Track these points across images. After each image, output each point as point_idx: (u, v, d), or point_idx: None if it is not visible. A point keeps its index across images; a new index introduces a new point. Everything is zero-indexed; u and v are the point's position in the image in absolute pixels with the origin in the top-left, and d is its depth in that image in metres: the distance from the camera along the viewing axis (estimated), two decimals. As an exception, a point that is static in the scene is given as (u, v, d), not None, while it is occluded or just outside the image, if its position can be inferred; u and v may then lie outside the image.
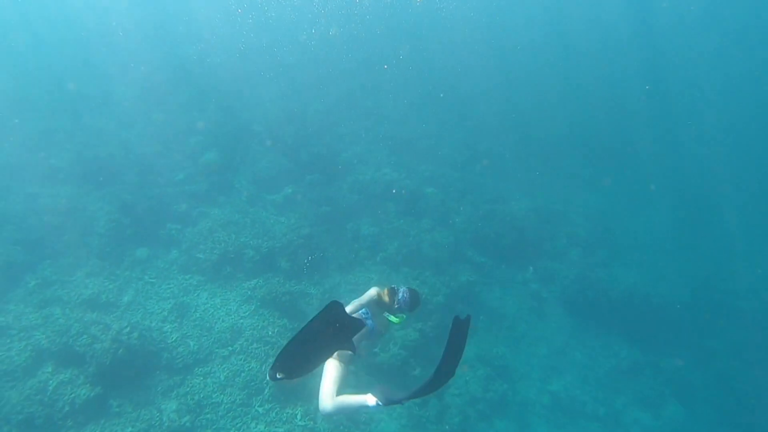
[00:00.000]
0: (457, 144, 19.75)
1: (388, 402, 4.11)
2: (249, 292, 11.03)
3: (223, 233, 12.17)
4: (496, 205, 16.07)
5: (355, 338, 4.65)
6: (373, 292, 5.08)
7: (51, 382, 8.14)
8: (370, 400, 4.20)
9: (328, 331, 3.69)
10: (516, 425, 11.03)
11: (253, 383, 8.95)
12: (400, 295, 4.89)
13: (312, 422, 8.67)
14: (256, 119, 17.66)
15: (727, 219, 20.17)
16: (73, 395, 8.02)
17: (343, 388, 4.53)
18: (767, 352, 14.55)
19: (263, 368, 9.15)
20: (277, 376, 3.63)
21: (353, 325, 3.85)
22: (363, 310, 5.00)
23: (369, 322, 4.89)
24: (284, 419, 8.59)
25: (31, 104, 17.52)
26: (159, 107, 17.64)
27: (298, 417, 8.68)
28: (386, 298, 4.97)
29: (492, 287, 13.81)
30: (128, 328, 8.65)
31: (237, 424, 8.44)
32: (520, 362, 12.27)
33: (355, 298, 5.10)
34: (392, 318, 4.87)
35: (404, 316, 4.90)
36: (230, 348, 9.60)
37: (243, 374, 9.09)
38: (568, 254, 15.24)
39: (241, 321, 10.21)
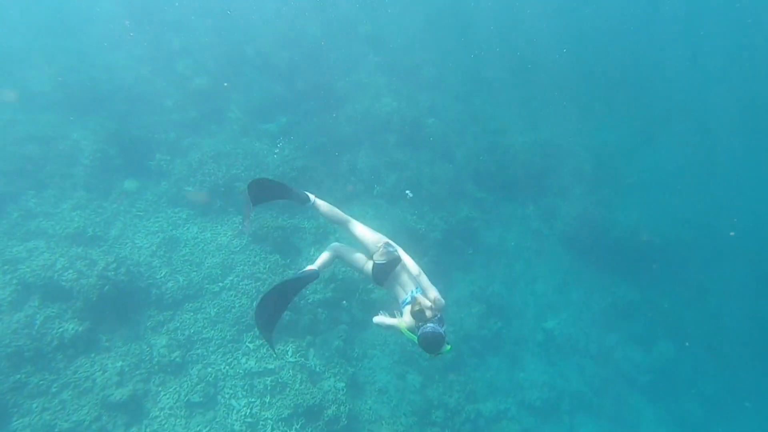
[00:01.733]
0: (462, 73, 18.81)
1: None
2: (240, 227, 10.79)
3: (213, 165, 11.76)
4: (500, 137, 15.53)
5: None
6: (427, 302, 4.29)
7: (38, 316, 8.08)
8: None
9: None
10: (508, 362, 11.19)
11: (243, 320, 8.91)
12: (428, 326, 4.07)
13: (303, 358, 8.72)
14: (248, 42, 16.70)
15: (735, 159, 19.73)
16: (61, 329, 7.99)
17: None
18: (762, 290, 14.66)
19: (254, 305, 9.06)
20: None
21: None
22: (411, 294, 4.48)
23: (405, 307, 4.46)
24: (275, 356, 8.60)
25: (4, 21, 16.48)
26: (143, 27, 16.62)
27: (290, 353, 8.71)
28: (420, 313, 4.21)
29: (491, 224, 13.60)
30: (115, 264, 8.49)
31: (228, 359, 8.48)
32: (517, 300, 12.29)
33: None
34: (404, 329, 4.29)
35: (414, 337, 4.19)
36: (220, 284, 9.49)
37: (233, 310, 9.04)
38: (572, 191, 14.90)
39: (232, 256, 10.05)
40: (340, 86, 16.25)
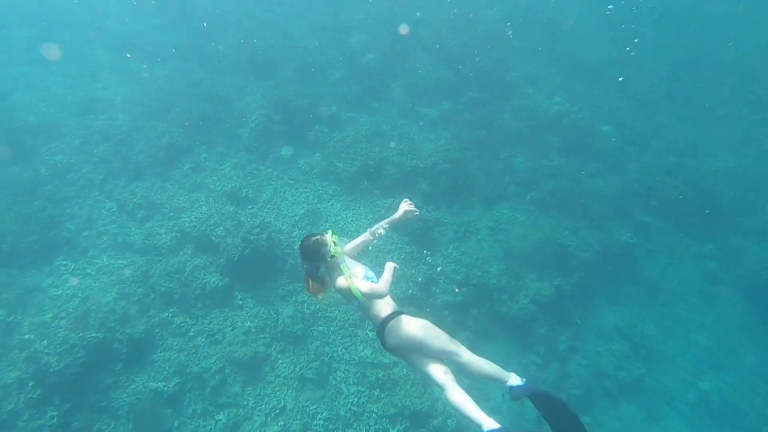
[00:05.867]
0: (654, 76, 17.12)
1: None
2: (383, 211, 11.06)
3: (367, 144, 12.14)
4: (686, 158, 13.90)
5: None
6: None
7: (189, 264, 9.14)
8: (489, 424, 3.52)
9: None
10: (645, 414, 10.12)
11: (368, 306, 9.14)
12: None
13: (419, 360, 8.71)
14: (424, 23, 16.87)
15: None
16: (204, 281, 8.94)
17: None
18: None
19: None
20: None
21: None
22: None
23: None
24: (392, 350, 8.73)
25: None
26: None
27: (407, 351, 8.76)
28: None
29: (655, 255, 12.30)
30: (258, 228, 9.23)
31: (346, 343, 8.80)
32: (670, 347, 11.03)
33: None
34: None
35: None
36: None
37: (360, 295, 9.30)
38: (770, 233, 12.85)
39: (369, 241, 10.32)
40: (511, 77, 15.73)
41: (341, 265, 3.95)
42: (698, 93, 17.05)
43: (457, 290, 10.22)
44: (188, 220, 9.74)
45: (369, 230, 4.34)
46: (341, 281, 3.92)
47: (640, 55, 17.66)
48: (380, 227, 4.24)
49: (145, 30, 17.17)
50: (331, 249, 3.90)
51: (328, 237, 3.97)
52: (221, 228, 9.31)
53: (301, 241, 4.00)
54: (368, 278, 4.01)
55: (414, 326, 3.91)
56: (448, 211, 11.67)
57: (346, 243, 4.33)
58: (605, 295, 11.44)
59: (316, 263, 3.96)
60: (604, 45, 17.55)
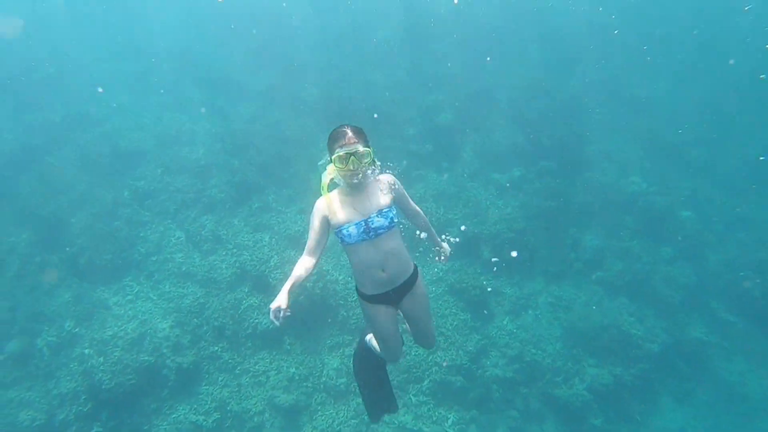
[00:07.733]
0: (748, 158, 16.46)
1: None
2: (441, 274, 11.17)
3: (433, 204, 12.38)
4: (777, 255, 13.21)
5: None
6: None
7: (244, 302, 9.55)
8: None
9: None
10: None
11: (415, 370, 9.17)
12: None
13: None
14: (502, 86, 17.25)
15: None
16: (256, 321, 9.28)
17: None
18: None
19: (429, 359, 9.28)
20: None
21: None
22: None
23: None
24: (434, 419, 8.66)
25: (293, 31, 19.89)
26: (409, 56, 18.40)
27: (449, 421, 8.68)
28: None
29: (733, 357, 11.59)
30: (315, 276, 9.52)
31: (388, 405, 8.78)
32: (745, 465, 10.25)
33: None
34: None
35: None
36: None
37: (409, 357, 9.35)
38: None
39: (424, 301, 10.41)
40: (588, 151, 15.67)
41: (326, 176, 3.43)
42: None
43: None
44: (249, 258, 10.21)
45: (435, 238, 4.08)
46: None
47: (731, 136, 17.16)
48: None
49: (235, 69, 18.56)
50: (331, 159, 3.26)
51: (353, 147, 3.17)
52: (279, 271, 9.69)
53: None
54: (345, 231, 3.48)
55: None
56: (508, 282, 11.62)
57: (394, 189, 3.55)
58: (672, 394, 10.84)
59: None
60: (690, 124, 17.18)
